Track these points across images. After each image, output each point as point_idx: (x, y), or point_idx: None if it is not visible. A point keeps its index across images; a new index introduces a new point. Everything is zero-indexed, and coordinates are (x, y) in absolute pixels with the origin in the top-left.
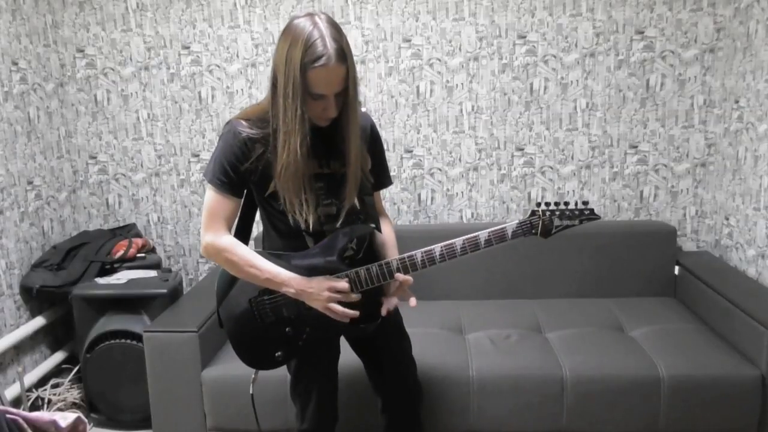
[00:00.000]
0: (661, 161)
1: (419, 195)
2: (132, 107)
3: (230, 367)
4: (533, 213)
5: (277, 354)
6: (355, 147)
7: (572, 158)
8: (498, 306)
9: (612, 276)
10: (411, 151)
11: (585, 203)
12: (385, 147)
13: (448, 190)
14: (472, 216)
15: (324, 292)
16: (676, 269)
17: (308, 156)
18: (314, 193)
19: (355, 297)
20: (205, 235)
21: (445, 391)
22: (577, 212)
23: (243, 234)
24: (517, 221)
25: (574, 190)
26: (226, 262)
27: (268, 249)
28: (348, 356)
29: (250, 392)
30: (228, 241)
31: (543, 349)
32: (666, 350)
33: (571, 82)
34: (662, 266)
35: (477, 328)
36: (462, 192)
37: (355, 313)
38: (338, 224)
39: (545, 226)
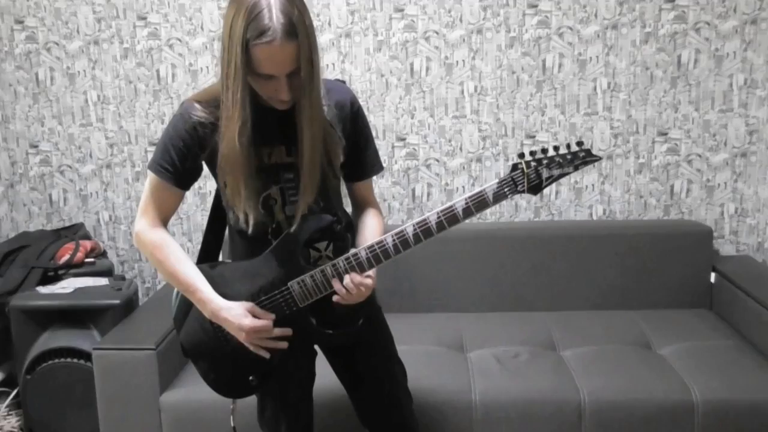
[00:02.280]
0: (694, 151)
1: (413, 190)
2: (79, 88)
3: (194, 390)
4: (514, 167)
5: (250, 378)
6: (312, 136)
7: (592, 147)
8: (505, 319)
9: (638, 284)
10: (404, 139)
11: (579, 143)
12: (373, 135)
13: (446, 184)
14: None
15: (241, 333)
16: (713, 276)
17: (249, 145)
18: (280, 187)
19: (278, 332)
20: (138, 221)
21: (443, 419)
22: (569, 156)
23: (213, 247)
24: (496, 180)
25: (593, 184)
26: (152, 259)
27: (233, 255)
28: (330, 379)
29: (232, 425)
30: (158, 236)
31: (557, 369)
32: (700, 371)
33: (590, 58)
34: (696, 273)
35: (481, 344)
36: (463, 186)
37: (283, 345)
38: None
39: (531, 179)
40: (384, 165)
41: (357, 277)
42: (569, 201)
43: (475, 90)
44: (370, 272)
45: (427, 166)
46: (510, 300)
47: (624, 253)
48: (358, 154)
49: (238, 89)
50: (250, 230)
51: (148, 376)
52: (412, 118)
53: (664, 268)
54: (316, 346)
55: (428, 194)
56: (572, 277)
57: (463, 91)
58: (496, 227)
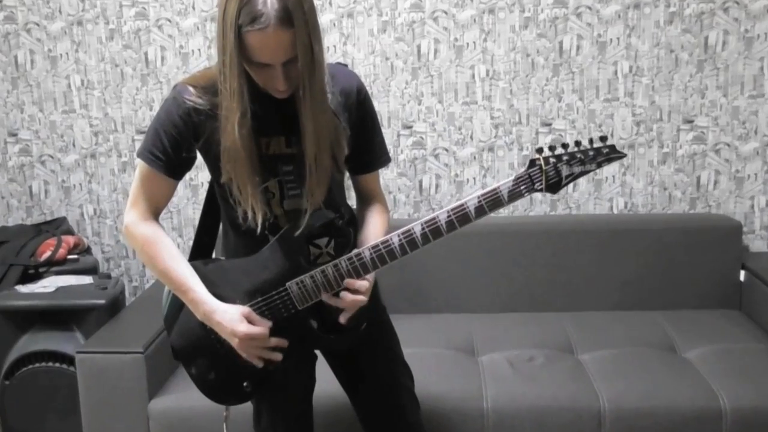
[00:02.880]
0: (723, 139)
1: (420, 182)
2: (62, 72)
3: (184, 396)
4: (532, 163)
5: (244, 384)
6: (316, 131)
7: (612, 135)
8: (519, 320)
9: (661, 283)
10: (410, 127)
11: (603, 138)
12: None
13: (456, 175)
14: None
15: (234, 339)
16: (742, 275)
17: (250, 137)
18: (278, 180)
19: (274, 342)
20: (128, 212)
21: (452, 427)
22: (591, 153)
23: (206, 243)
24: (512, 177)
25: (614, 175)
26: (143, 254)
27: (227, 252)
28: (331, 384)
29: None
30: (149, 230)
31: (575, 374)
32: (729, 376)
33: (611, 40)
34: (724, 271)
35: (493, 347)
36: (474, 178)
37: (277, 356)
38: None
39: (550, 177)
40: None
41: (350, 281)
42: (588, 193)
43: (487, 74)
44: (369, 276)
45: (435, 156)
46: (524, 300)
47: (647, 250)
48: (365, 145)
49: (235, 78)
50: (258, 228)
51: (135, 381)
52: (419, 104)
53: (690, 266)
54: (316, 350)
55: (436, 186)
56: (591, 275)
57: (473, 76)
58: (510, 221)
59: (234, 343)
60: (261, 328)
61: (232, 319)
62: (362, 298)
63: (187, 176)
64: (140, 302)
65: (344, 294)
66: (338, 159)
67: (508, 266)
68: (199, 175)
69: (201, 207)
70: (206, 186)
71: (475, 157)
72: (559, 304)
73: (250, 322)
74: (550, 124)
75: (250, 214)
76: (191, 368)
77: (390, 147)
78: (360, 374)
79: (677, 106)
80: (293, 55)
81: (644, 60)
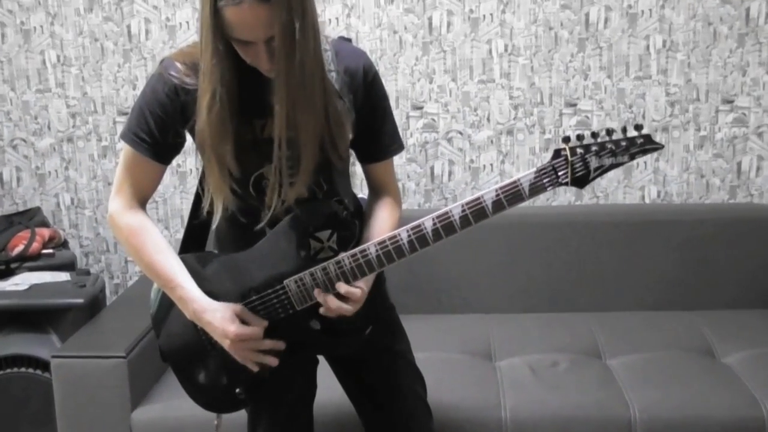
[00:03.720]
0: (766, 122)
1: (432, 168)
2: (35, 47)
3: (171, 405)
4: (557, 153)
5: (237, 390)
6: (292, 112)
7: (643, 117)
8: (541, 321)
9: (698, 280)
10: (421, 108)
11: (638, 127)
12: None
13: (472, 161)
14: None
15: (225, 340)
16: None
17: (224, 121)
18: (275, 165)
19: (269, 344)
20: (112, 200)
21: None
22: (624, 143)
23: (198, 234)
24: (534, 169)
25: (646, 162)
26: (127, 246)
27: (219, 245)
28: (334, 391)
29: None
30: (135, 219)
31: (603, 381)
32: None
33: (642, 12)
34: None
35: (512, 352)
36: (491, 164)
37: (272, 360)
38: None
39: (577, 169)
40: None
41: (344, 287)
42: (617, 181)
43: (506, 49)
44: (360, 282)
45: (448, 139)
46: (546, 299)
47: (682, 243)
48: (374, 131)
49: (209, 56)
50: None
51: (117, 388)
52: (430, 82)
53: (730, 261)
54: (317, 355)
55: (450, 173)
56: (620, 272)
57: (491, 51)
58: (531, 212)
59: (225, 344)
60: (254, 328)
61: (224, 318)
62: (347, 308)
63: (174, 162)
64: (122, 301)
65: (329, 298)
66: (338, 145)
67: (529, 262)
68: (188, 160)
69: (189, 196)
70: (196, 173)
71: (492, 141)
72: (584, 303)
73: (243, 321)
74: (574, 105)
75: (205, 203)
76: (180, 372)
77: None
78: (366, 381)
79: (715, 85)
80: (274, 32)
81: (679, 34)
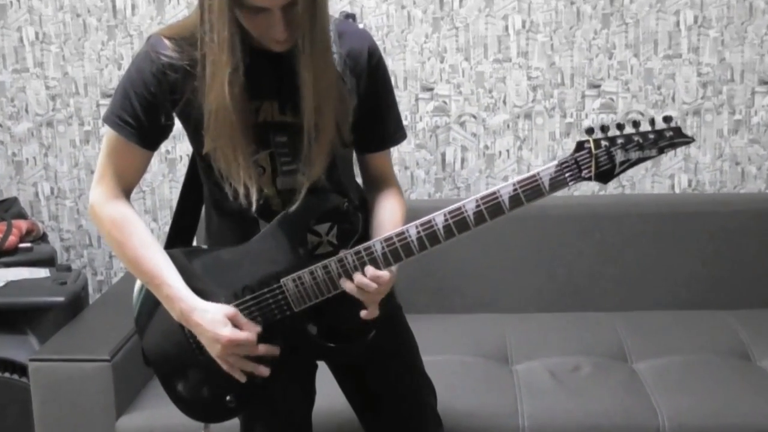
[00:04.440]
0: None
1: (443, 154)
2: (12, 23)
3: (158, 413)
4: (580, 145)
5: (227, 398)
6: (318, 91)
7: (672, 99)
8: (561, 322)
9: (733, 277)
10: (431, 89)
11: (667, 119)
12: (393, 84)
13: (486, 147)
14: None
15: (215, 345)
16: None
17: (244, 97)
18: (270, 152)
19: (263, 350)
20: (93, 189)
21: None
22: (652, 136)
23: (186, 228)
24: (555, 162)
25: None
26: (110, 239)
27: (210, 239)
28: (335, 398)
29: None
30: (118, 210)
31: (629, 386)
32: None
33: None
34: None
35: (530, 354)
36: (507, 150)
37: (264, 370)
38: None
39: (601, 163)
40: (405, 123)
41: (371, 270)
42: (644, 170)
43: (523, 26)
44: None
45: (460, 124)
46: (568, 297)
47: (715, 236)
48: (376, 119)
49: (225, 26)
50: (253, 208)
51: (101, 394)
52: (441, 62)
53: (767, 256)
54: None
55: (462, 160)
56: (648, 268)
57: (507, 28)
58: (550, 203)
59: (215, 349)
60: (248, 333)
61: (214, 320)
62: (386, 275)
63: (163, 148)
64: (106, 300)
65: (366, 282)
66: (342, 130)
67: (548, 257)
68: (178, 146)
69: (179, 185)
70: (186, 160)
71: (508, 126)
72: (609, 302)
73: (235, 325)
74: (598, 86)
75: (242, 191)
76: (165, 378)
77: (406, 113)
78: (370, 388)
79: (751, 65)
80: None
81: (712, 9)
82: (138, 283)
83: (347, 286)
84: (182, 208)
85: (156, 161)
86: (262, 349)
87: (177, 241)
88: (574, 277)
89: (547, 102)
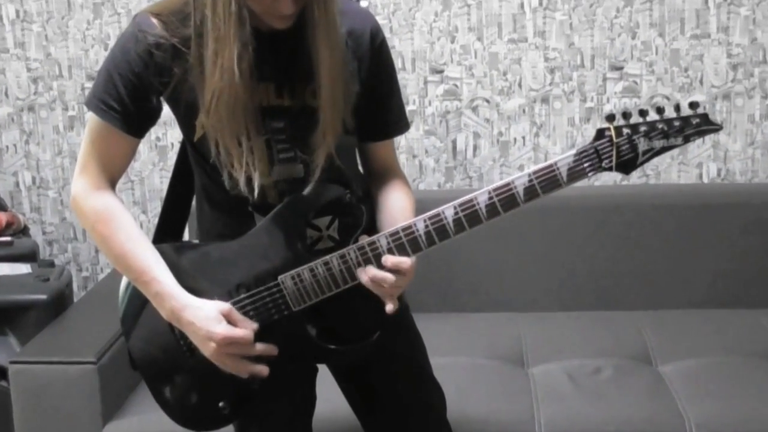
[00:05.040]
0: None
1: (454, 142)
2: None
3: (148, 419)
4: (600, 133)
5: (220, 404)
6: (333, 65)
7: (700, 83)
8: (581, 321)
9: (765, 273)
10: (441, 72)
11: (693, 104)
12: (398, 67)
13: (500, 133)
14: None
15: (209, 344)
16: None
17: (252, 76)
18: (266, 138)
19: (260, 349)
20: (76, 180)
21: None
22: (678, 123)
23: (175, 221)
24: (574, 151)
25: None
26: (94, 234)
27: (202, 233)
28: (337, 404)
29: None
30: (103, 202)
31: (654, 390)
32: None
33: None
34: None
35: (547, 356)
36: (523, 137)
37: (262, 370)
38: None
39: (623, 152)
40: (412, 109)
41: (392, 259)
42: (670, 158)
43: (540, 3)
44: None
45: (473, 108)
46: (588, 294)
47: (746, 230)
48: (378, 106)
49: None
50: (255, 194)
51: (86, 399)
52: (452, 42)
53: None
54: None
55: (475, 148)
56: (675, 263)
57: (523, 5)
58: (569, 194)
59: (208, 349)
60: (244, 330)
61: (208, 317)
62: (408, 263)
63: (153, 134)
64: (92, 298)
65: (382, 277)
66: (346, 113)
67: (567, 251)
68: (169, 133)
69: (170, 174)
70: (177, 148)
71: (524, 111)
72: (632, 300)
73: (230, 322)
74: (621, 68)
75: (242, 179)
76: (153, 383)
77: (414, 97)
78: (374, 394)
79: None
80: None
81: None
82: (124, 281)
83: (363, 278)
84: (172, 200)
85: (145, 149)
86: (259, 348)
87: (166, 235)
88: (594, 273)
89: (566, 85)
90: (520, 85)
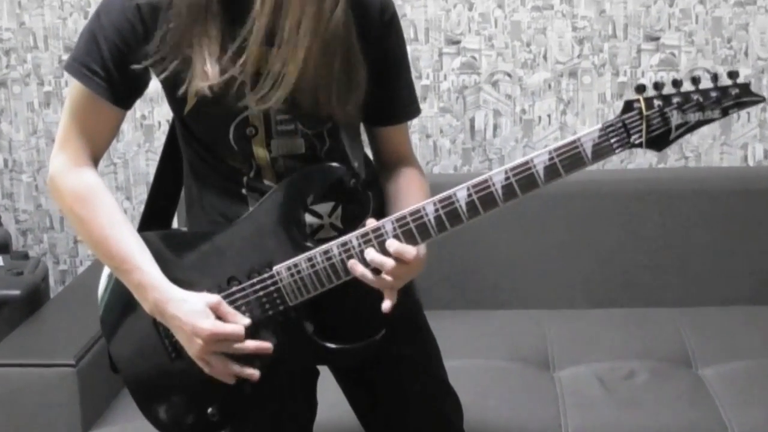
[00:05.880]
0: None
1: (472, 120)
2: None
3: (132, 427)
4: (628, 105)
5: (209, 410)
6: (308, 21)
7: (745, 54)
8: (612, 319)
9: None
10: (457, 43)
11: (732, 74)
12: (410, 37)
13: (523, 111)
14: None
15: (195, 341)
16: None
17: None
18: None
19: (253, 347)
20: (55, 156)
21: None
22: (715, 94)
23: (163, 206)
24: (598, 126)
25: (749, 112)
26: (72, 216)
27: (191, 220)
28: (341, 410)
29: None
30: (83, 181)
31: (694, 396)
32: None
33: None
34: None
35: (576, 358)
36: (549, 115)
37: (254, 373)
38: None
39: (654, 126)
40: (426, 84)
41: (396, 244)
42: (712, 138)
43: None
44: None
45: (493, 83)
46: (620, 290)
47: None
48: (385, 87)
49: None
50: (254, 170)
51: (64, 406)
52: (470, 10)
53: None
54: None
55: (495, 127)
56: (716, 254)
57: None
58: (599, 178)
59: (195, 347)
60: (234, 326)
61: (194, 310)
62: (412, 253)
63: (138, 112)
64: (70, 293)
65: (381, 261)
66: (353, 77)
67: (597, 242)
68: (156, 111)
69: (158, 157)
70: (166, 127)
71: (550, 86)
72: (670, 296)
73: (218, 317)
74: (657, 39)
75: (196, 82)
76: (135, 387)
77: (428, 71)
78: (381, 400)
79: None
80: None
81: None
82: (104, 274)
83: (357, 270)
84: (159, 185)
85: (130, 128)
86: (252, 345)
87: (152, 223)
88: (627, 266)
89: (596, 58)
90: (545, 58)
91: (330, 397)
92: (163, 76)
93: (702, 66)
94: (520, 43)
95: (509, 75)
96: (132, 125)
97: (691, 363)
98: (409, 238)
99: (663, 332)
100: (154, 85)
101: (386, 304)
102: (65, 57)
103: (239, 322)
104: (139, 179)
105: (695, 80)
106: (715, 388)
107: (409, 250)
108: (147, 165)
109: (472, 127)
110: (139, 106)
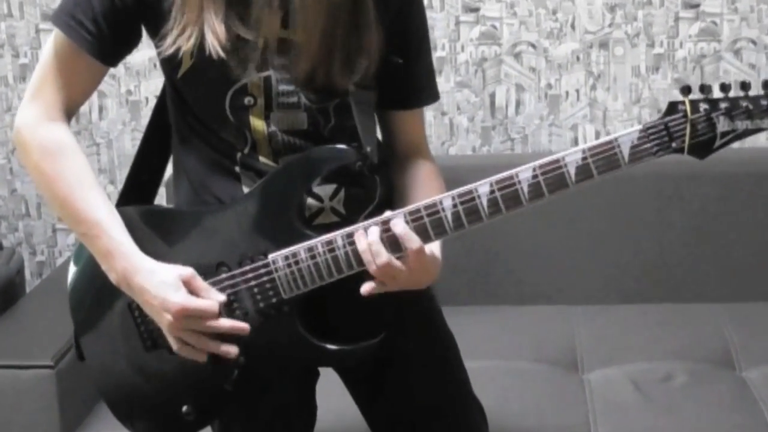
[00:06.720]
0: None
1: (492, 96)
2: None
3: None
4: (672, 108)
5: (183, 409)
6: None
7: None
8: (647, 316)
9: None
10: (476, 11)
11: None
12: (428, 4)
13: (549, 86)
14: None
15: (164, 315)
16: None
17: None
18: (265, 75)
19: (227, 326)
20: (24, 107)
21: None
22: (766, 102)
23: (146, 181)
24: (638, 127)
25: (578, 90)
26: (36, 174)
27: (179, 199)
28: (346, 414)
29: None
30: (53, 135)
31: (737, 400)
32: None
33: None
34: None
35: (607, 359)
36: (577, 90)
37: (231, 350)
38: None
39: (699, 132)
40: (442, 56)
41: (401, 226)
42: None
43: None
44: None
45: (515, 55)
46: (655, 284)
47: None
48: (403, 68)
49: None
50: (251, 144)
51: (42, 411)
52: None
53: None
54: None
55: (517, 103)
56: (763, 244)
57: None
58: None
59: (164, 322)
60: (207, 301)
61: (165, 282)
62: (415, 246)
63: (123, 87)
64: (48, 287)
65: (377, 249)
66: (366, 48)
67: (631, 232)
68: (142, 86)
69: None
70: (153, 104)
71: (578, 58)
72: (711, 291)
73: (191, 291)
74: (697, 6)
75: (190, 40)
76: (100, 378)
77: (444, 42)
78: (392, 406)
79: None
80: None
81: None
82: (75, 253)
83: (362, 242)
84: (143, 156)
85: (114, 104)
86: (226, 324)
87: (132, 198)
88: (664, 257)
89: (630, 27)
90: (573, 27)
91: (332, 401)
92: (157, 35)
93: (746, 36)
94: (546, 10)
95: (533, 46)
96: (117, 101)
97: (735, 364)
98: (421, 233)
99: (703, 330)
100: (141, 57)
101: (366, 285)
102: (42, 26)
103: (213, 298)
104: (124, 161)
105: (744, 85)
106: (761, 391)
107: (415, 239)
108: (133, 145)
109: (493, 103)
110: (125, 81)
